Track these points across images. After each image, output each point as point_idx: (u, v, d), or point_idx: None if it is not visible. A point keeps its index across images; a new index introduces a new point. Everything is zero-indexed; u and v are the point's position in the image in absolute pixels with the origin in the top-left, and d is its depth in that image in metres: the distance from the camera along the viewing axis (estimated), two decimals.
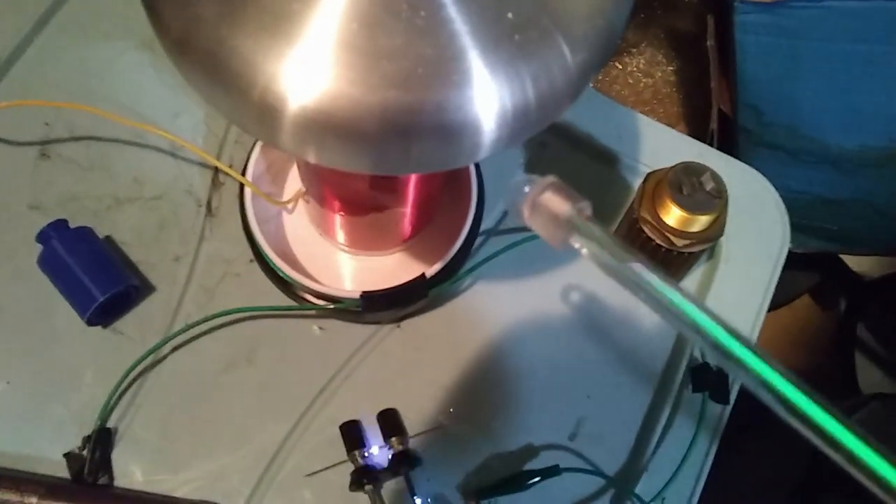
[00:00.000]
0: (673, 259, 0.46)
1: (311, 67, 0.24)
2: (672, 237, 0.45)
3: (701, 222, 0.45)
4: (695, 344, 0.50)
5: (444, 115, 0.25)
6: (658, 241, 0.45)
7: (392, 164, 0.27)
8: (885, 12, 0.53)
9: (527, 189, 0.29)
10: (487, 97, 0.25)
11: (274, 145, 0.27)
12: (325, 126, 0.24)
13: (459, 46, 0.24)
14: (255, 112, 0.25)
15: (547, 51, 0.26)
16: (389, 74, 0.24)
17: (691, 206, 0.44)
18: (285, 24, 0.24)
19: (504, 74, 0.25)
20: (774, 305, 0.86)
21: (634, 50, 0.90)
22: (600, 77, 0.90)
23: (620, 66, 0.90)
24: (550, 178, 0.29)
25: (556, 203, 0.28)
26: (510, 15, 0.24)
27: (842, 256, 0.76)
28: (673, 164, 0.46)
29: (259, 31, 0.24)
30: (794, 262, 0.76)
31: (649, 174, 0.47)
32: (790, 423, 0.27)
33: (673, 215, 0.44)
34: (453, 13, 0.24)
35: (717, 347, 0.26)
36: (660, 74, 0.90)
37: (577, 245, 0.29)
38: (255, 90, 0.24)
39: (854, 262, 0.77)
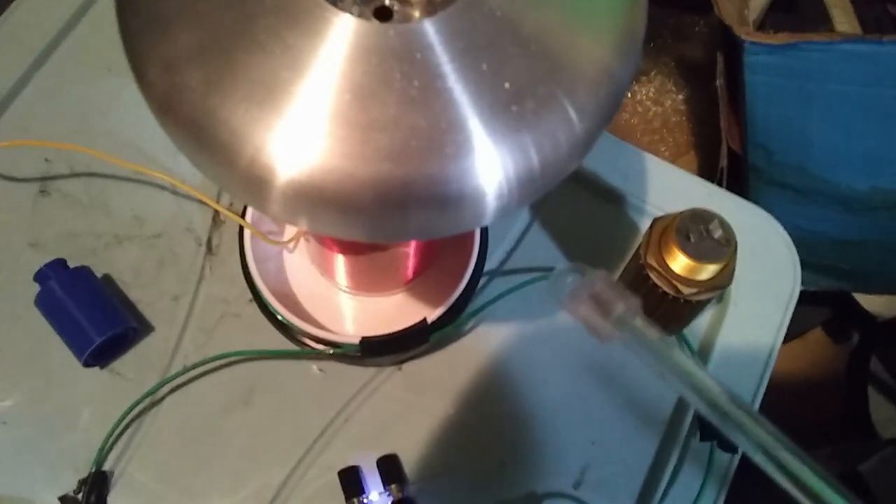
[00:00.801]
0: (680, 306, 0.45)
1: (300, 139, 0.23)
2: (679, 285, 0.44)
3: (709, 270, 0.43)
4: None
5: (440, 187, 0.24)
6: (665, 289, 0.44)
7: (389, 233, 0.27)
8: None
9: (571, 279, 0.29)
10: (484, 168, 0.24)
11: (262, 212, 0.26)
12: (315, 198, 0.24)
13: (454, 117, 0.23)
14: (241, 182, 0.24)
15: (548, 119, 0.25)
16: (382, 147, 0.23)
17: (699, 255, 0.43)
18: (274, 94, 0.23)
19: (501, 145, 0.24)
20: (786, 339, 0.85)
21: (644, 78, 0.90)
22: None
23: (630, 95, 0.89)
24: (602, 273, 0.29)
25: (607, 299, 0.28)
26: (507, 85, 0.24)
27: (854, 295, 0.75)
28: (681, 205, 0.45)
29: (247, 101, 0.23)
30: (805, 298, 0.75)
31: (656, 219, 0.46)
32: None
33: (680, 263, 0.43)
34: (449, 84, 0.23)
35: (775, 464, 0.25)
36: (669, 103, 0.89)
37: (624, 339, 0.28)
38: (242, 161, 0.23)
39: (866, 301, 0.75)
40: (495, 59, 0.24)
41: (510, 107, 0.24)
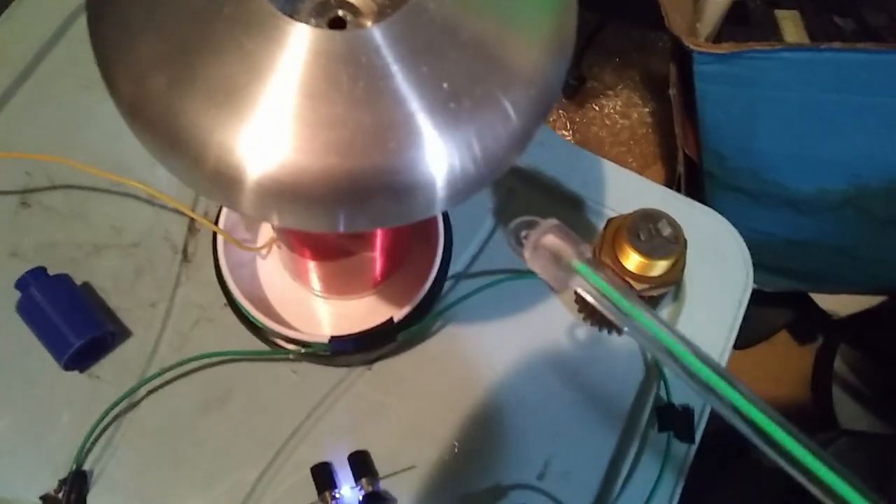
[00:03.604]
0: None
1: (257, 137, 0.25)
2: (632, 282, 0.46)
3: (660, 267, 0.46)
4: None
5: (386, 177, 0.26)
6: None
7: (348, 223, 0.28)
8: (836, 63, 0.55)
9: (526, 231, 0.31)
10: (427, 160, 0.26)
11: (231, 209, 0.28)
12: (276, 193, 0.26)
13: (396, 115, 0.25)
14: (208, 180, 0.26)
15: (485, 115, 0.27)
16: (330, 142, 0.25)
17: (649, 252, 0.45)
18: (233, 97, 0.25)
19: (442, 139, 0.26)
20: (752, 342, 0.87)
21: (611, 92, 0.93)
22: (578, 119, 0.93)
23: (597, 108, 0.93)
24: (553, 221, 0.30)
25: (558, 246, 0.30)
26: (445, 85, 0.26)
27: (812, 295, 0.78)
28: (636, 208, 0.47)
29: (208, 103, 0.25)
30: (767, 300, 0.78)
31: (610, 220, 0.48)
32: (766, 452, 0.28)
33: (632, 261, 0.46)
34: (391, 84, 0.26)
35: (702, 383, 0.27)
36: (636, 115, 0.92)
37: (577, 286, 0.30)
38: (208, 160, 0.25)
39: (823, 301, 0.78)
40: (434, 61, 0.26)
41: (448, 105, 0.26)
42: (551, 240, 0.30)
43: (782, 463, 0.27)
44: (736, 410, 0.26)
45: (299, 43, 0.26)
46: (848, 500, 0.23)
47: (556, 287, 0.29)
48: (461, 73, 0.26)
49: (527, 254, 0.30)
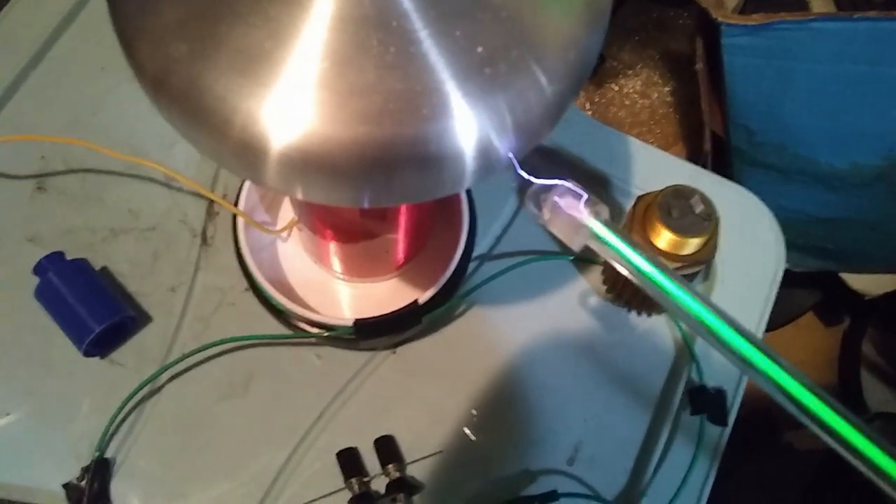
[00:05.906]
0: None
1: (284, 106, 0.24)
2: (664, 260, 0.45)
3: (692, 245, 0.45)
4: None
5: (418, 147, 0.25)
6: None
7: (375, 196, 0.27)
8: (870, 33, 0.53)
9: (543, 193, 0.30)
10: (460, 129, 0.25)
11: (255, 182, 0.27)
12: (302, 164, 0.25)
13: (429, 81, 0.24)
14: (232, 152, 0.25)
15: (519, 81, 0.26)
16: (360, 110, 0.24)
17: (681, 230, 0.44)
18: (257, 64, 0.24)
19: (476, 107, 0.25)
20: (778, 324, 0.86)
21: (630, 72, 0.91)
22: (597, 99, 0.91)
23: (617, 88, 0.91)
24: (568, 183, 0.30)
25: (574, 206, 0.29)
26: (480, 49, 0.25)
27: (841, 275, 0.76)
28: (664, 186, 0.46)
29: (231, 71, 0.24)
30: (795, 280, 0.76)
31: (639, 197, 0.47)
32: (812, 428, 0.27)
33: (663, 238, 0.45)
34: (423, 49, 0.24)
35: (723, 345, 0.27)
36: (656, 95, 0.90)
37: (594, 246, 0.30)
38: (232, 130, 0.24)
39: (853, 280, 0.76)
40: (468, 25, 0.25)
41: (483, 70, 0.25)
42: (567, 201, 0.29)
43: (826, 439, 0.26)
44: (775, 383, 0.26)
45: (325, 7, 0.24)
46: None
47: (573, 248, 0.29)
48: (495, 36, 0.25)
49: (546, 215, 0.30)
